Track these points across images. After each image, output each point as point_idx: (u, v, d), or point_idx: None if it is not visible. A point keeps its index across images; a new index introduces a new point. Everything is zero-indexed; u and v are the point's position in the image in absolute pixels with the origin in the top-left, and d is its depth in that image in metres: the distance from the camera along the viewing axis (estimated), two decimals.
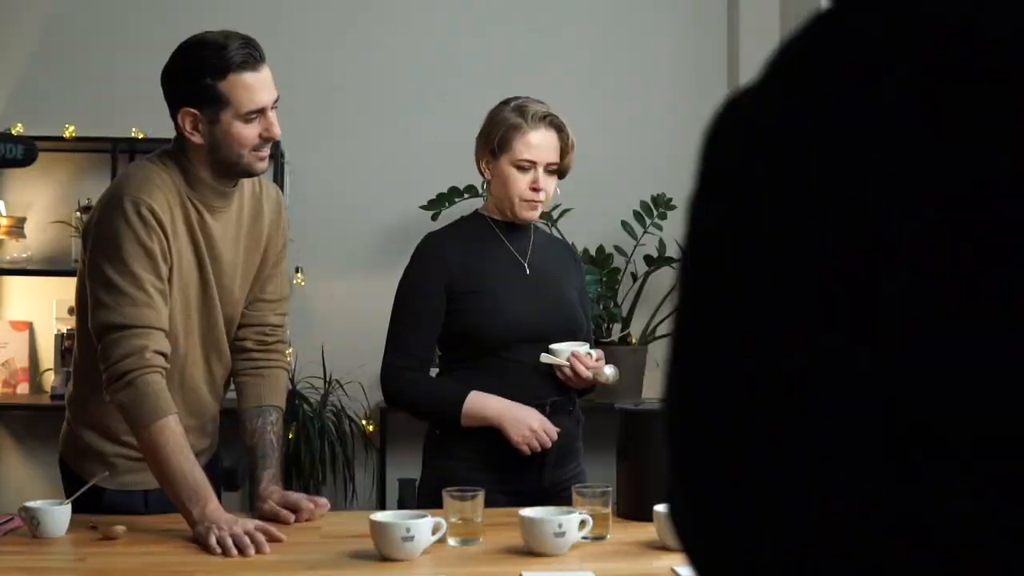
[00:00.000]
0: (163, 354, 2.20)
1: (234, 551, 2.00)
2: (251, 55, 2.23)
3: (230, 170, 2.30)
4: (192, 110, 2.23)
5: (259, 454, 2.39)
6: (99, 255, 2.22)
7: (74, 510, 2.17)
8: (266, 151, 2.30)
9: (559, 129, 2.59)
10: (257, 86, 2.24)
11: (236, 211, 2.39)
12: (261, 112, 2.25)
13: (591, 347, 2.59)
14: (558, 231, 4.29)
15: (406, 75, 4.64)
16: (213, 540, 2.01)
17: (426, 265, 2.59)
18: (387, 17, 4.66)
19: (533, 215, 2.62)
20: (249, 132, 2.25)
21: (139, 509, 2.35)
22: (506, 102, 2.62)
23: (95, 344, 2.21)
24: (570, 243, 2.88)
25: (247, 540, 2.01)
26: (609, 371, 2.54)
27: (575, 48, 4.69)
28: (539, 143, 2.56)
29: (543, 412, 2.54)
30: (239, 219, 2.40)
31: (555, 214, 4.37)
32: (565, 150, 2.60)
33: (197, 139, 2.25)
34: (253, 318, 2.48)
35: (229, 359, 2.46)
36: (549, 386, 2.56)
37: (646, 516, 2.10)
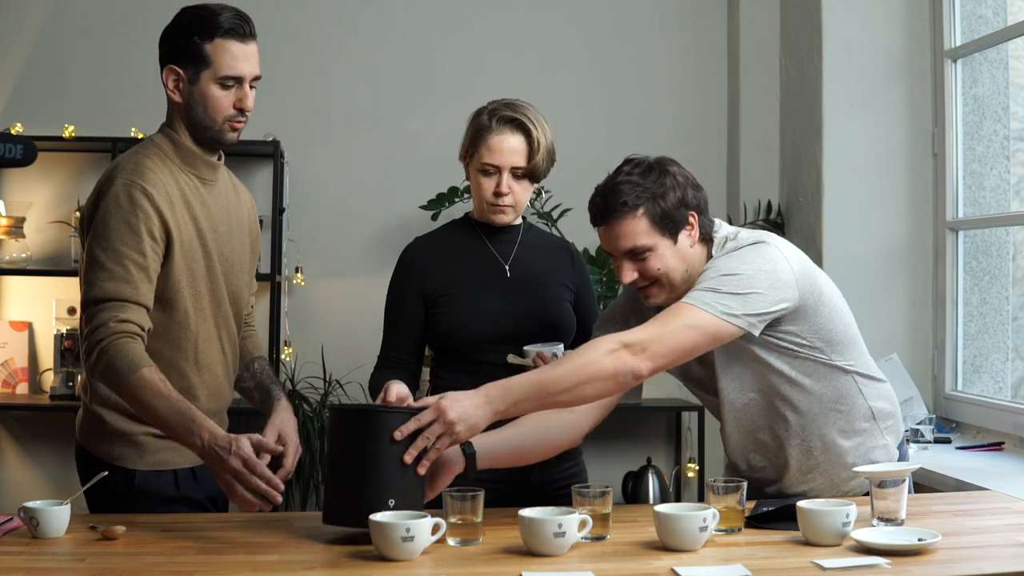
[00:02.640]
0: (134, 323, 2.23)
1: (253, 503, 2.10)
2: (241, 27, 2.34)
3: (203, 134, 2.38)
4: (176, 68, 2.35)
5: (266, 387, 2.53)
6: (91, 238, 2.31)
7: (98, 498, 2.27)
8: (239, 123, 2.38)
9: (527, 133, 2.56)
10: (240, 55, 2.33)
11: (225, 189, 2.49)
12: (239, 82, 2.34)
13: (566, 348, 2.57)
14: (558, 231, 4.29)
15: (406, 76, 4.64)
16: (237, 489, 2.10)
17: (402, 273, 2.64)
18: (387, 17, 4.65)
19: (503, 219, 2.61)
20: (224, 99, 2.34)
21: (169, 490, 2.39)
22: (487, 105, 2.62)
23: None
24: (568, 241, 2.86)
25: (253, 500, 2.10)
26: None
27: (575, 48, 4.69)
28: (502, 147, 2.54)
29: None
30: (227, 196, 2.50)
31: (555, 214, 4.37)
32: (532, 153, 2.57)
33: (177, 98, 2.37)
34: None
35: (236, 339, 2.52)
36: None
37: (357, 522, 2.03)
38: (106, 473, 2.33)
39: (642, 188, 2.30)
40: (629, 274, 2.33)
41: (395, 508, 2.03)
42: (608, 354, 2.18)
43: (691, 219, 2.34)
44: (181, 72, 2.35)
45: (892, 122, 4.05)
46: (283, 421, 2.40)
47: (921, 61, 4.03)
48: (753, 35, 4.55)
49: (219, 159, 2.46)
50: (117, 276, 2.24)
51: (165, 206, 2.30)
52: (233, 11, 2.35)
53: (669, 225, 2.31)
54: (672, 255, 2.32)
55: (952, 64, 3.95)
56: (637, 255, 2.31)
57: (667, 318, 2.22)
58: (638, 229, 2.29)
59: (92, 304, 2.24)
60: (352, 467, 2.06)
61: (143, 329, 2.25)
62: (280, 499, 2.11)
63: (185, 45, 2.33)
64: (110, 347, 2.19)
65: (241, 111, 2.36)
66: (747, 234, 2.38)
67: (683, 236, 2.33)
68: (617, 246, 2.32)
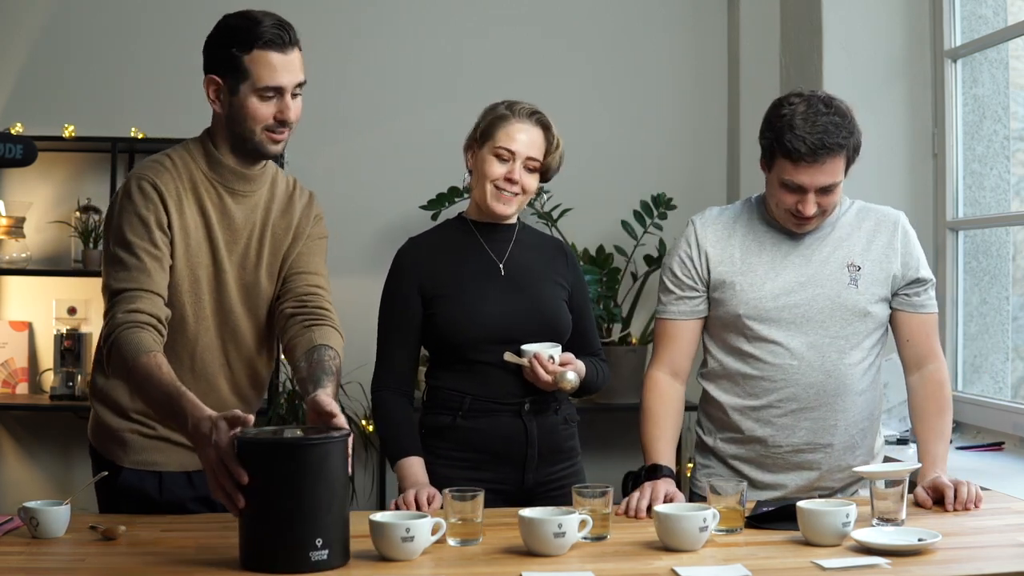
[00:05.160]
0: (144, 312, 2.19)
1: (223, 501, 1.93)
2: (281, 36, 2.27)
3: (244, 145, 2.33)
4: (216, 78, 2.30)
5: (312, 379, 2.23)
6: (107, 234, 2.31)
7: (98, 493, 2.24)
8: (280, 134, 2.32)
9: (545, 128, 2.59)
10: (279, 66, 2.27)
11: (265, 201, 2.42)
12: (279, 92, 2.28)
13: (562, 349, 2.57)
14: (558, 231, 4.29)
15: (406, 75, 4.64)
16: (211, 485, 1.94)
17: (399, 274, 2.63)
18: (387, 17, 4.65)
19: (504, 209, 2.59)
20: (264, 110, 2.28)
21: (152, 493, 2.36)
22: (501, 101, 2.63)
23: None
24: (563, 241, 2.86)
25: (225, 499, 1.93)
26: (571, 376, 2.52)
27: (576, 48, 4.69)
28: (521, 136, 2.56)
29: (521, 412, 2.54)
30: (267, 208, 2.42)
31: (555, 214, 4.37)
32: (549, 150, 2.60)
33: (217, 108, 2.32)
34: (285, 291, 2.46)
35: (252, 357, 2.44)
36: (528, 386, 2.55)
37: (285, 568, 1.88)
38: (105, 473, 2.34)
39: (846, 130, 2.42)
40: (812, 207, 2.44)
41: (322, 548, 1.88)
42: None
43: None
44: (221, 82, 2.29)
45: (892, 122, 4.05)
46: (326, 393, 2.16)
47: (921, 61, 4.03)
48: (753, 35, 4.55)
49: (257, 168, 2.37)
50: (130, 266, 2.23)
51: (172, 203, 2.29)
52: (273, 19, 2.28)
53: (850, 164, 2.46)
54: (840, 190, 2.50)
55: (952, 64, 3.95)
56: (828, 190, 2.44)
57: (935, 334, 2.55)
58: (839, 167, 2.43)
59: (108, 299, 2.23)
60: (274, 505, 1.89)
61: (156, 318, 2.20)
62: (237, 507, 1.91)
63: (224, 56, 2.26)
64: (117, 339, 2.16)
65: (281, 122, 2.29)
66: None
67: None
68: (819, 181, 2.42)
